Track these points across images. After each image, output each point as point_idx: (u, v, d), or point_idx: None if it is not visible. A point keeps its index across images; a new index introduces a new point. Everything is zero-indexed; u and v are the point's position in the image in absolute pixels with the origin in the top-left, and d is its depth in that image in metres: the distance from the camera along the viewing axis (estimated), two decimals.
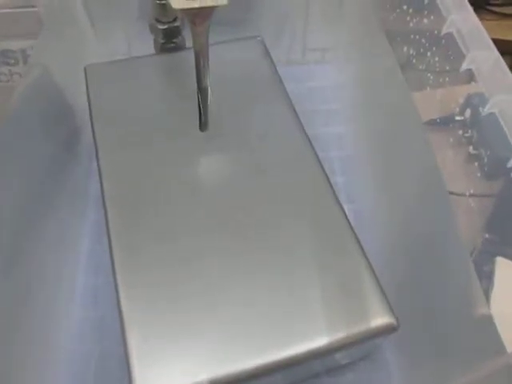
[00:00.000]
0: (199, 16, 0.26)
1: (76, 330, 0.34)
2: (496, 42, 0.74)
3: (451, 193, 0.44)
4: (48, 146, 0.35)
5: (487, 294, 0.38)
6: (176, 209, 0.30)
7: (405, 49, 0.29)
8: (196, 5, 0.25)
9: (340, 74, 0.45)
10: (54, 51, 0.39)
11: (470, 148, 0.50)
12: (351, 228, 0.29)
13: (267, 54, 0.38)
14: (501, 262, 0.40)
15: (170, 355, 0.24)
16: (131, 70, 0.38)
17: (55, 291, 0.33)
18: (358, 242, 0.29)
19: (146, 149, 0.33)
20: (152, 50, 0.40)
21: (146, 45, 0.40)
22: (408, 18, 0.28)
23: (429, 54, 0.26)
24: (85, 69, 0.36)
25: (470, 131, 0.50)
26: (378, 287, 0.27)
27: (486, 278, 0.40)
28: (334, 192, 0.31)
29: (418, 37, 0.27)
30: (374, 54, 0.36)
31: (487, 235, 0.42)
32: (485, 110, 0.22)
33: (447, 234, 0.29)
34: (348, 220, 0.30)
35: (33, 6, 0.44)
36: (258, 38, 0.39)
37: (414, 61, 0.28)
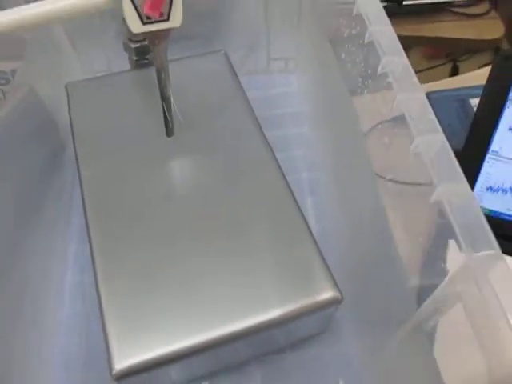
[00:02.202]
0: (157, 37, 0.30)
1: (65, 322, 0.37)
2: (454, 41, 0.78)
3: (406, 183, 0.48)
4: (35, 158, 0.39)
5: (443, 275, 0.42)
6: (149, 209, 0.34)
7: (343, 55, 0.33)
8: (153, 28, 0.29)
9: (299, 81, 0.49)
10: (39, 71, 0.43)
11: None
12: (303, 217, 0.33)
13: (230, 66, 0.42)
14: (454, 245, 0.44)
15: (144, 330, 0.28)
16: (108, 86, 0.42)
17: (46, 288, 0.37)
18: (309, 228, 0.32)
19: (121, 157, 0.37)
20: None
21: (125, 62, 0.44)
22: (343, 29, 0.32)
23: (357, 59, 0.30)
24: (65, 86, 0.40)
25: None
26: (325, 267, 0.31)
27: (442, 260, 0.44)
28: (289, 187, 0.35)
29: (350, 45, 0.31)
30: (323, 63, 0.39)
31: (441, 220, 0.46)
32: (393, 108, 0.25)
33: (381, 225, 0.32)
34: (301, 211, 0.33)
35: None
36: (222, 52, 0.43)
37: (349, 66, 0.31)
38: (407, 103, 0.24)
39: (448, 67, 0.81)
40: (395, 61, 0.25)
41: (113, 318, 0.28)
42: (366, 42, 0.28)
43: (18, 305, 0.33)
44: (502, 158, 0.43)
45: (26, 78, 0.41)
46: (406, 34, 0.71)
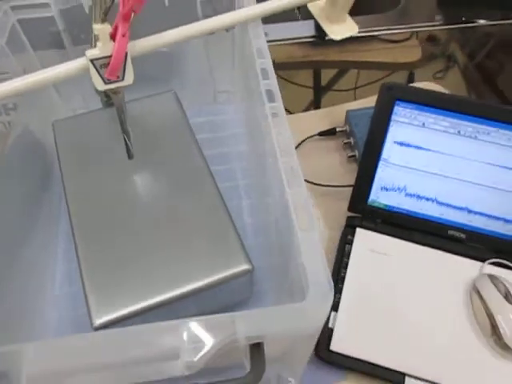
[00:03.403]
0: (116, 91, 0.43)
1: (57, 300, 0.50)
2: (378, 64, 0.93)
3: (333, 186, 0.61)
4: (31, 178, 0.52)
5: (349, 253, 0.55)
6: (116, 209, 0.47)
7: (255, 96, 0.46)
8: (112, 86, 0.42)
9: (237, 110, 0.62)
10: (30, 110, 0.55)
11: (349, 151, 0.67)
12: (227, 211, 0.46)
13: (178, 102, 0.55)
14: (359, 232, 0.57)
15: (113, 295, 0.41)
16: (86, 122, 0.54)
17: (42, 275, 0.50)
18: (232, 220, 0.45)
19: (96, 175, 0.49)
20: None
21: (98, 100, 0.57)
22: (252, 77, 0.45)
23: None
24: (52, 123, 0.53)
25: (348, 139, 0.68)
26: (241, 246, 0.43)
27: (349, 243, 0.57)
28: (218, 191, 0.47)
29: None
30: (248, 95, 0.52)
31: (350, 214, 0.59)
32: (270, 137, 0.38)
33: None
34: (226, 207, 0.46)
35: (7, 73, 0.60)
36: (172, 92, 0.55)
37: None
38: (276, 136, 0.37)
39: (405, 74, 0.94)
40: (274, 106, 0.38)
41: (91, 286, 0.41)
42: (260, 90, 0.41)
43: (24, 286, 0.45)
44: (390, 165, 0.56)
45: (22, 117, 0.53)
46: (335, 59, 0.85)
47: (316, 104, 0.89)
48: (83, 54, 0.41)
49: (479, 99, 0.88)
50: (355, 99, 0.80)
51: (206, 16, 0.56)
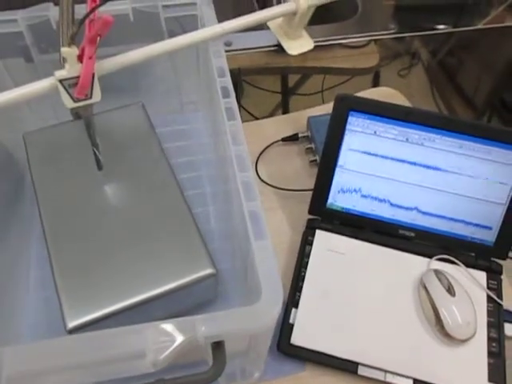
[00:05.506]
0: (84, 109, 0.45)
1: (32, 304, 0.52)
2: (342, 70, 0.97)
3: (296, 190, 0.65)
4: (3, 190, 0.54)
5: (309, 253, 0.59)
6: (86, 216, 0.50)
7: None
8: (81, 104, 0.44)
9: (204, 119, 0.65)
10: (1, 124, 0.57)
11: (311, 156, 0.71)
12: (193, 218, 0.49)
13: (146, 114, 0.57)
14: (318, 233, 0.61)
15: (85, 299, 0.43)
16: (56, 133, 0.56)
17: (16, 280, 0.52)
18: (197, 226, 0.48)
19: (66, 183, 0.52)
20: None
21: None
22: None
23: None
24: (23, 135, 0.55)
25: (310, 144, 0.72)
26: (205, 251, 0.47)
27: (310, 244, 0.61)
28: (184, 198, 0.51)
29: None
30: (212, 106, 0.56)
31: (310, 216, 0.63)
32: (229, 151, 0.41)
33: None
34: (191, 214, 0.49)
35: None
36: (140, 103, 0.58)
37: None
38: (235, 152, 0.40)
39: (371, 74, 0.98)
40: (233, 124, 0.42)
41: (63, 291, 0.44)
42: (220, 107, 0.44)
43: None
44: (346, 170, 0.60)
45: None
46: (298, 65, 0.88)
47: (284, 108, 0.92)
48: (51, 64, 0.43)
49: (441, 95, 0.94)
50: (323, 102, 0.83)
51: (170, 30, 0.59)
